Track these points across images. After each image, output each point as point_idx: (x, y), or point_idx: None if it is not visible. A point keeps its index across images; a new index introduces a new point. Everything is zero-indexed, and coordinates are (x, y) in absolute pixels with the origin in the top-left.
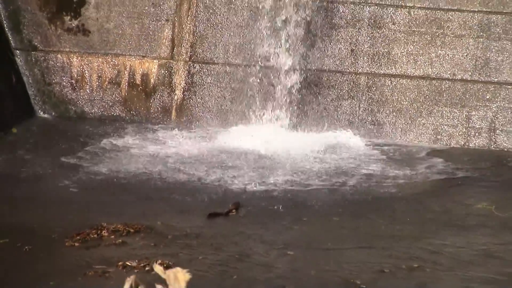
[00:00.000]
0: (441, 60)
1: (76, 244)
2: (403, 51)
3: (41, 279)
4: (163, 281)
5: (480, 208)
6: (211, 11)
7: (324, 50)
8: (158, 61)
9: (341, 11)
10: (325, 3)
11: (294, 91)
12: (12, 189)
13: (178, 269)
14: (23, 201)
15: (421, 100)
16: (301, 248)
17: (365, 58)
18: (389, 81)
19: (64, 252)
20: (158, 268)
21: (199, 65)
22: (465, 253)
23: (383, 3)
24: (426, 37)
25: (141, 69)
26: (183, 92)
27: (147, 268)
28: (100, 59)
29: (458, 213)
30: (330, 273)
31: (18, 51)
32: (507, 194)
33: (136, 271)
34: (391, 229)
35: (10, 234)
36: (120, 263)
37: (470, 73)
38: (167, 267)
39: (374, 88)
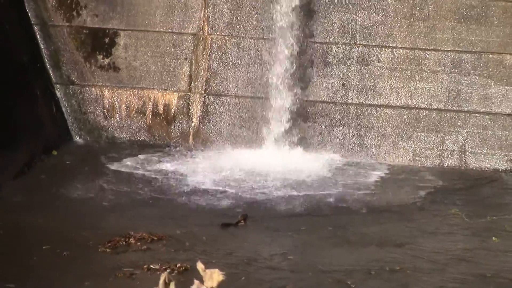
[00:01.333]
0: (419, 92)
1: (108, 250)
2: (387, 84)
3: (78, 280)
4: (200, 279)
5: (453, 217)
6: (223, 51)
7: (320, 84)
8: (178, 93)
9: (334, 50)
10: (320, 45)
11: (294, 118)
12: (52, 203)
13: (216, 270)
14: (62, 213)
15: (402, 127)
16: (300, 253)
17: (354, 91)
18: (375, 111)
19: (97, 257)
20: (200, 266)
21: (212, 97)
22: (441, 257)
23: (370, 44)
24: (406, 72)
25: (163, 101)
26: (199, 120)
27: (168, 270)
28: (128, 92)
29: (434, 222)
30: (325, 275)
31: (58, 85)
32: (476, 206)
33: (158, 273)
34: (377, 237)
35: (51, 242)
36: (145, 266)
37: (444, 103)
38: (185, 270)
39: (362, 117)
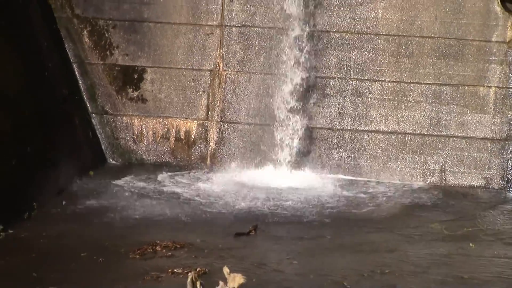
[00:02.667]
0: (405, 119)
1: (137, 256)
2: (377, 113)
3: (111, 283)
4: (224, 280)
5: (434, 227)
6: (235, 84)
7: (319, 113)
8: (197, 121)
9: (331, 84)
10: (319, 79)
11: (297, 143)
12: (90, 216)
13: (239, 274)
14: (98, 224)
15: (390, 149)
16: (303, 259)
17: (349, 118)
18: (367, 135)
19: (128, 263)
20: (225, 270)
21: (227, 124)
22: (424, 261)
23: (362, 78)
24: (394, 102)
25: (184, 128)
26: (215, 144)
27: (192, 272)
28: (154, 120)
29: (417, 232)
30: (324, 277)
31: (94, 115)
32: (454, 217)
33: (181, 276)
34: (369, 244)
35: (88, 249)
36: (169, 270)
37: (426, 129)
38: (204, 273)
39: (356, 141)
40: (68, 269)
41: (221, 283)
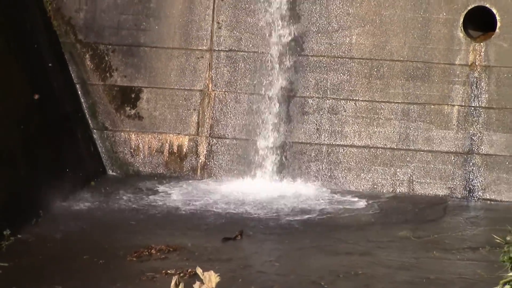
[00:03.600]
0: (377, 135)
1: (134, 259)
2: (351, 129)
3: (111, 282)
4: (200, 280)
5: (402, 233)
6: (223, 103)
7: (299, 129)
8: (188, 136)
9: (310, 102)
10: (299, 98)
11: (279, 156)
12: (90, 222)
13: (212, 272)
14: (98, 229)
15: (363, 162)
16: (284, 261)
17: (326, 134)
18: (342, 149)
19: (126, 264)
20: (199, 271)
21: (215, 139)
22: (394, 264)
23: (338, 97)
24: (366, 120)
25: (177, 142)
26: (205, 157)
27: (181, 274)
28: (149, 136)
29: (388, 236)
30: (304, 277)
31: (95, 130)
32: (422, 224)
33: (174, 276)
34: (344, 247)
35: (90, 252)
36: (163, 271)
37: (396, 144)
38: (194, 274)
39: (332, 154)
40: (72, 270)
41: (197, 282)
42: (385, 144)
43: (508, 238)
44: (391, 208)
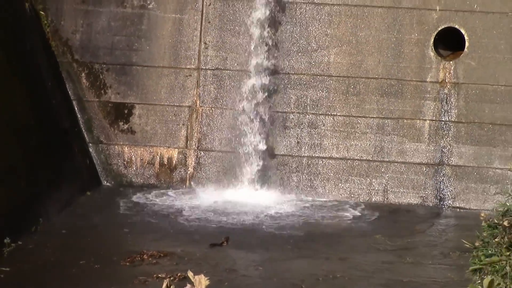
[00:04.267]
0: (353, 147)
1: (127, 263)
2: (329, 142)
3: (106, 286)
4: (191, 283)
5: (378, 238)
6: (210, 118)
7: (280, 142)
8: (178, 149)
9: (291, 117)
10: (280, 113)
11: (262, 167)
12: (87, 229)
13: (202, 275)
14: (94, 236)
15: (341, 173)
16: (267, 265)
17: (306, 147)
18: (321, 161)
19: (120, 269)
20: (190, 274)
21: (203, 152)
22: (369, 268)
23: (317, 112)
24: (344, 133)
25: (167, 155)
26: (193, 169)
27: (171, 278)
28: (141, 149)
29: (365, 242)
30: (286, 280)
31: (90, 144)
32: (395, 230)
33: (165, 280)
34: (323, 253)
35: (86, 258)
36: (155, 275)
37: (371, 156)
38: (184, 278)
39: (312, 165)
40: (69, 275)
41: (188, 285)
42: (361, 156)
43: (476, 244)
44: (367, 215)
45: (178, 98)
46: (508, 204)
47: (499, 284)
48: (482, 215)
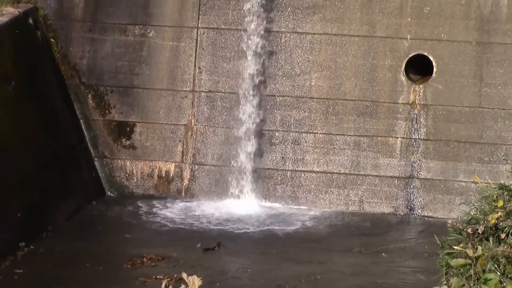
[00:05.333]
0: (332, 162)
1: (129, 266)
2: (311, 157)
3: (109, 286)
4: (185, 284)
5: (354, 244)
6: (204, 135)
7: (267, 157)
8: (174, 163)
9: (276, 135)
10: (267, 131)
11: (251, 180)
12: (93, 235)
13: (195, 276)
14: (99, 242)
15: (321, 185)
16: (255, 268)
17: (290, 161)
18: (303, 174)
19: (122, 271)
20: (184, 275)
21: (197, 166)
22: (347, 270)
23: (300, 131)
24: (323, 149)
25: (165, 168)
26: (188, 181)
27: (168, 279)
28: (142, 163)
29: (342, 247)
30: (271, 281)
31: (96, 158)
32: (370, 237)
33: (163, 281)
34: (305, 256)
35: (91, 261)
36: (153, 276)
37: (348, 169)
38: (180, 279)
39: (295, 178)
40: (76, 276)
41: (183, 286)
42: (340, 170)
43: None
44: (345, 223)
45: (175, 117)
46: (471, 213)
47: (463, 285)
48: (449, 223)
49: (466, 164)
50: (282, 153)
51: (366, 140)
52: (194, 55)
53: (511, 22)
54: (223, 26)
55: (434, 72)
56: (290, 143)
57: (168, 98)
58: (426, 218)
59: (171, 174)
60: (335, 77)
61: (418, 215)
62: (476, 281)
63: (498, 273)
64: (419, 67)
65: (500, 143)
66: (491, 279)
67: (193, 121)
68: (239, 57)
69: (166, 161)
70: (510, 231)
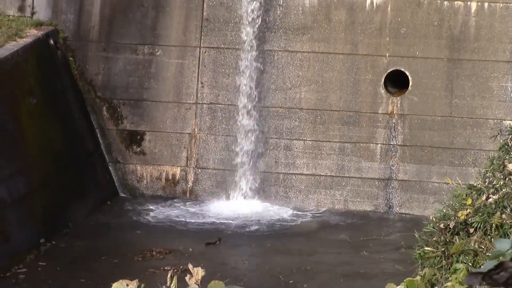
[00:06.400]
0: (320, 166)
1: (140, 259)
2: (301, 162)
3: (122, 276)
4: (191, 274)
5: (340, 239)
6: (206, 143)
7: (262, 161)
8: (180, 168)
9: (270, 142)
10: (261, 138)
11: (248, 182)
12: (107, 231)
13: (199, 268)
14: (113, 237)
15: (310, 186)
16: (252, 260)
17: (282, 165)
18: (295, 177)
19: (134, 263)
20: (190, 266)
21: (200, 169)
22: (333, 261)
23: (291, 138)
24: (312, 154)
25: (171, 172)
26: (192, 183)
27: (175, 270)
28: (151, 167)
29: (330, 241)
30: (267, 272)
31: (110, 163)
32: (353, 231)
33: (170, 271)
34: (296, 249)
35: (106, 254)
36: (162, 268)
37: (334, 172)
38: (185, 270)
39: (287, 180)
40: (93, 268)
41: (188, 275)
42: (327, 173)
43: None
44: (331, 220)
45: (180, 126)
46: (444, 211)
47: (435, 274)
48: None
49: (439, 167)
50: (275, 158)
51: (350, 146)
52: (197, 71)
53: (478, 41)
54: (222, 46)
55: (410, 85)
56: (282, 149)
57: (174, 109)
58: (404, 215)
59: (177, 177)
60: (322, 90)
61: (396, 213)
62: (446, 271)
63: (470, 264)
64: (396, 81)
65: (469, 148)
66: (459, 269)
67: (196, 130)
68: (237, 73)
69: (173, 166)
70: (478, 226)
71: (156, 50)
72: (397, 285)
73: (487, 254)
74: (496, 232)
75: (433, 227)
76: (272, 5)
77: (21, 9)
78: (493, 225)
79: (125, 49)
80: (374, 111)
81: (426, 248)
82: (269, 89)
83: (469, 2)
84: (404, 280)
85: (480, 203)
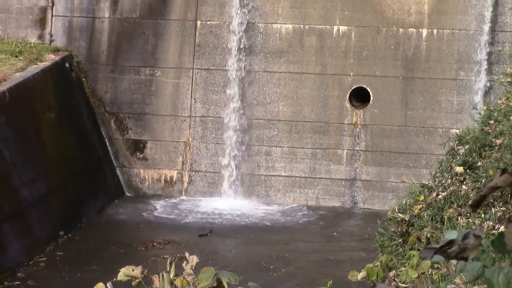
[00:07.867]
0: (295, 169)
1: (143, 249)
2: (279, 165)
3: (128, 264)
4: (186, 261)
5: (313, 230)
6: (199, 150)
7: (247, 166)
8: (177, 171)
9: (253, 148)
10: (246, 146)
11: (235, 183)
12: (115, 225)
13: (194, 256)
14: (121, 230)
15: (287, 186)
16: (238, 249)
17: (263, 168)
18: (274, 178)
19: (137, 252)
20: (187, 254)
21: (194, 172)
22: (307, 249)
23: (271, 145)
24: (288, 159)
25: (169, 175)
26: (187, 184)
27: (173, 258)
28: (152, 170)
29: (303, 231)
30: (250, 259)
31: (117, 168)
32: (324, 223)
33: (169, 259)
34: (275, 240)
35: (114, 245)
36: (162, 256)
37: (307, 174)
38: (181, 257)
39: (268, 181)
40: (103, 256)
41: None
42: (301, 174)
43: (380, 230)
44: (305, 214)
45: (176, 136)
46: (400, 206)
47: (391, 260)
48: (388, 213)
49: (396, 169)
50: (258, 162)
51: (321, 151)
52: (190, 89)
53: (429, 62)
54: (212, 67)
55: (371, 100)
56: (263, 154)
57: (171, 121)
58: (366, 210)
59: (174, 179)
60: (297, 105)
61: (360, 208)
62: (402, 257)
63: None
64: (359, 96)
65: (421, 153)
66: (414, 256)
67: (190, 138)
68: (224, 90)
69: (170, 169)
70: (430, 219)
71: (156, 71)
72: (359, 271)
73: (437, 243)
74: (447, 225)
75: (391, 220)
76: (254, 33)
77: (41, 37)
78: (445, 217)
79: (130, 70)
80: (341, 121)
81: (384, 239)
82: (252, 104)
83: (420, 29)
84: (365, 267)
85: (431, 199)
